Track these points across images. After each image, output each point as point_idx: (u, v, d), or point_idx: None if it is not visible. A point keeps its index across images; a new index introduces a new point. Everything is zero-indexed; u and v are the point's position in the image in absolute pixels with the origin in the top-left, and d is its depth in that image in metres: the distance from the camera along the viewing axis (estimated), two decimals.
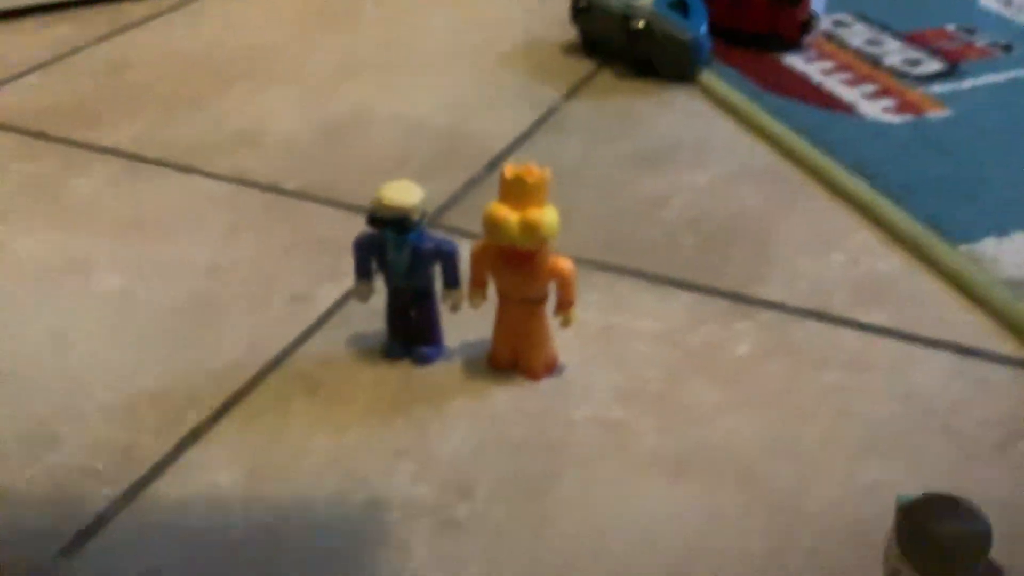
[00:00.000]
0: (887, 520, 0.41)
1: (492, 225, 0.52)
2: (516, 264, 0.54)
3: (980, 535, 0.34)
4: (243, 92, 0.92)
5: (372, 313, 0.62)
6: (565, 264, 0.54)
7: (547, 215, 0.52)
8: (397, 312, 0.58)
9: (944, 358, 0.58)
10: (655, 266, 0.67)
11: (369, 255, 0.57)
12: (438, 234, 0.58)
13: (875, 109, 0.82)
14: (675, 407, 0.55)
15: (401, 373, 0.58)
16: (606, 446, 0.53)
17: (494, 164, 0.79)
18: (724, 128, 0.83)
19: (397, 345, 0.59)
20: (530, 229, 0.51)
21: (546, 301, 0.56)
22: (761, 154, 0.79)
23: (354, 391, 0.57)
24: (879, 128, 0.80)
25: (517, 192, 0.52)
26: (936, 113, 0.82)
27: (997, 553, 0.36)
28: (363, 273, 0.58)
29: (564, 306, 0.55)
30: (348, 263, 0.66)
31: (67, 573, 0.46)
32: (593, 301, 0.63)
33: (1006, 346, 0.58)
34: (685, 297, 0.64)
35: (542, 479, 0.51)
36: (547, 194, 0.53)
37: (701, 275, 0.66)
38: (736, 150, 0.80)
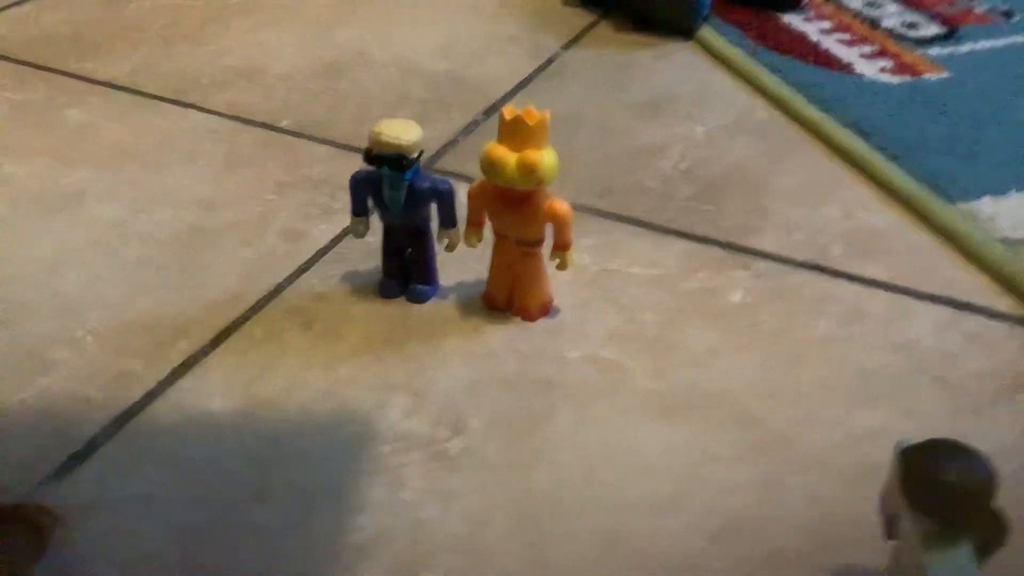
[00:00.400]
0: (881, 465, 0.41)
1: (490, 165, 0.51)
2: (513, 205, 0.54)
3: (985, 478, 0.35)
4: (241, 29, 0.91)
5: (367, 251, 0.61)
6: (562, 206, 0.54)
7: (546, 156, 0.51)
8: (393, 250, 0.58)
9: (939, 312, 0.58)
10: (651, 214, 0.67)
11: (365, 192, 0.56)
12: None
13: (872, 69, 0.82)
14: (669, 349, 0.55)
15: (395, 310, 0.58)
16: (599, 385, 0.53)
17: (492, 110, 0.78)
18: (721, 82, 0.83)
19: (392, 283, 0.59)
20: (528, 170, 0.51)
21: (542, 243, 0.56)
22: (757, 109, 0.79)
23: (348, 326, 0.57)
24: (876, 88, 0.80)
25: (516, 133, 0.51)
26: (934, 75, 0.81)
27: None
28: (359, 210, 0.57)
29: (560, 248, 0.55)
30: (343, 201, 0.66)
31: (56, 497, 0.46)
32: (589, 246, 0.63)
33: (1001, 302, 0.58)
34: (680, 245, 0.64)
35: (535, 416, 0.51)
36: (546, 136, 0.52)
37: (696, 224, 0.66)
38: (733, 104, 0.80)
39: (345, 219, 0.65)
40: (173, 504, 0.46)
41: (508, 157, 0.51)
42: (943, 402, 0.52)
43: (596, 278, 0.61)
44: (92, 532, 0.45)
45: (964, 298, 0.59)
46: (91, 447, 0.49)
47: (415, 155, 0.53)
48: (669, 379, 0.54)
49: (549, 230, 0.55)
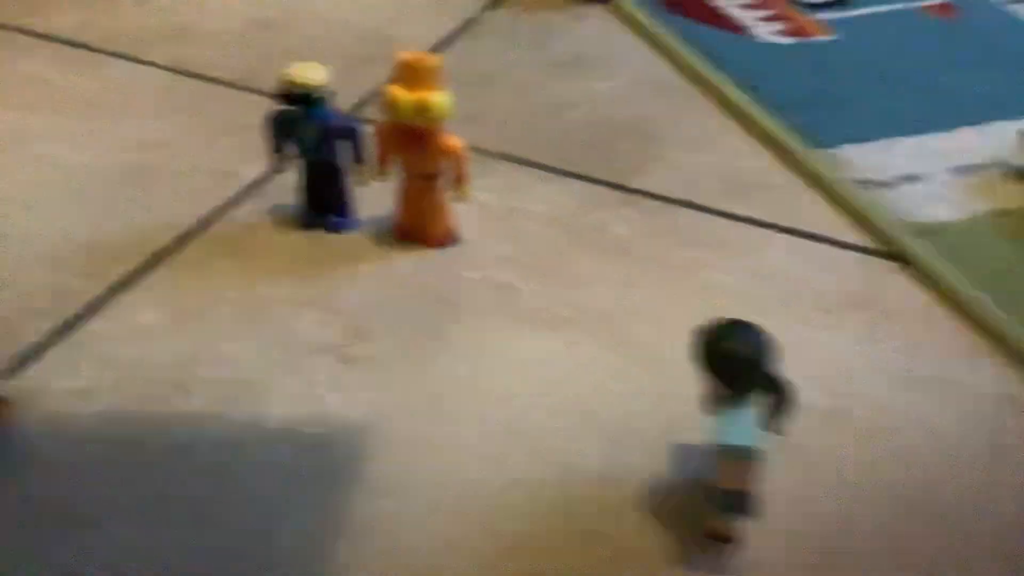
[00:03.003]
0: None
1: (389, 104, 0.58)
2: (413, 142, 0.60)
3: (761, 347, 0.42)
4: None
5: (291, 188, 0.68)
6: (456, 142, 0.60)
7: (439, 96, 0.58)
8: (311, 184, 0.65)
9: (795, 243, 0.66)
10: (555, 160, 0.74)
11: (282, 131, 0.63)
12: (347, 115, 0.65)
13: (767, 31, 0.90)
14: (558, 275, 0.63)
15: (314, 240, 0.65)
16: (492, 303, 0.60)
17: None
18: (629, 43, 0.90)
19: (312, 215, 0.65)
20: (423, 109, 0.58)
21: (441, 176, 0.62)
22: (660, 67, 0.86)
23: (270, 253, 0.64)
24: (769, 48, 0.87)
25: (412, 75, 0.58)
26: (823, 37, 0.89)
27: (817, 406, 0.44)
28: (277, 147, 0.64)
29: (458, 181, 0.62)
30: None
31: (7, 389, 0.53)
32: (495, 187, 0.70)
33: (850, 234, 0.66)
34: (578, 186, 0.71)
35: (432, 326, 0.59)
36: (440, 78, 0.59)
37: (595, 168, 0.73)
38: (638, 63, 0.87)
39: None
40: (108, 395, 0.53)
41: (404, 97, 0.57)
42: (789, 317, 0.59)
43: (499, 215, 0.68)
44: (39, 416, 0.51)
45: (819, 231, 0.67)
46: (38, 350, 0.56)
47: (322, 94, 0.60)
48: (554, 299, 0.61)
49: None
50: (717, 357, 0.42)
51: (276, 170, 0.64)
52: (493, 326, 0.59)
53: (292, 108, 0.60)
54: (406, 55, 0.57)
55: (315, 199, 0.65)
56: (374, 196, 0.67)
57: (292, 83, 0.59)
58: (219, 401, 0.53)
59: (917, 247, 0.63)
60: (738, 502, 0.42)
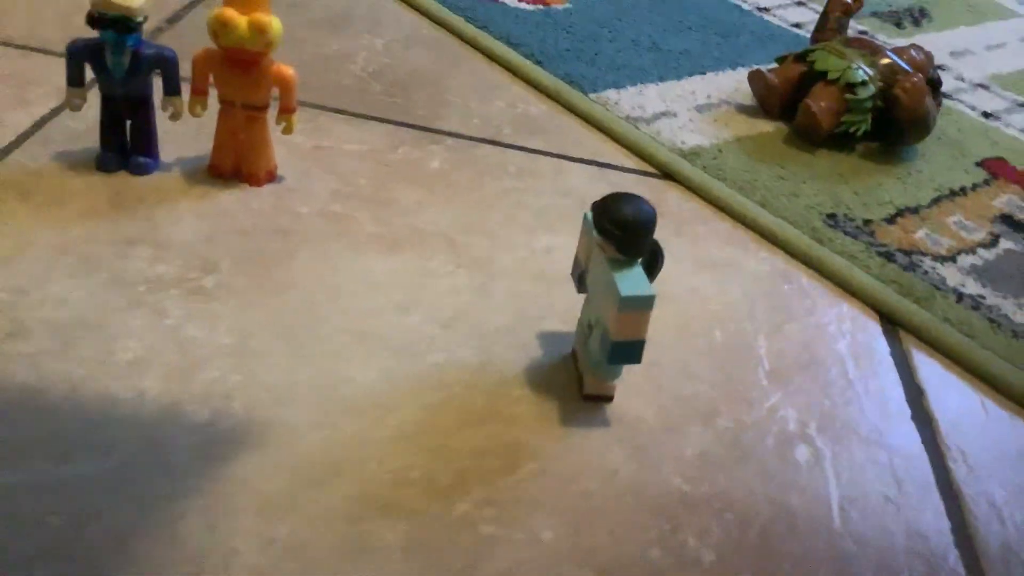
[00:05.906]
0: (560, 269, 0.54)
1: (221, 25, 0.56)
2: (241, 69, 0.58)
3: (650, 215, 0.47)
4: None
5: (74, 134, 0.62)
6: (288, 70, 0.59)
7: (274, 19, 0.57)
8: (112, 122, 0.60)
9: (587, 169, 0.73)
10: (351, 105, 0.74)
11: (84, 61, 0.57)
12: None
13: (512, 0, 0.97)
14: (386, 203, 0.64)
15: (117, 182, 0.60)
16: (331, 231, 0.60)
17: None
18: (390, 4, 0.93)
19: (112, 156, 0.60)
20: (259, 30, 0.56)
21: (268, 108, 0.61)
22: (424, 27, 0.90)
23: (70, 197, 0.58)
24: (518, 13, 0.94)
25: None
26: (559, 5, 0.98)
27: None
28: (76, 80, 0.58)
29: (287, 111, 0.61)
30: (34, 93, 0.65)
31: None
32: (299, 129, 0.69)
33: (629, 162, 0.75)
34: (381, 128, 0.72)
35: (278, 256, 0.57)
36: (269, 4, 0.57)
37: (391, 112, 0.75)
38: (404, 22, 0.90)
39: (41, 108, 0.65)
40: None
41: (238, 18, 0.55)
42: None
43: (311, 153, 0.67)
44: None
45: (604, 160, 0.74)
46: None
47: (140, 19, 0.56)
48: (389, 224, 0.62)
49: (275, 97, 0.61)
50: (617, 223, 0.46)
51: (73, 108, 0.58)
52: (340, 250, 0.58)
53: (102, 35, 0.55)
54: None
55: (115, 139, 0.60)
56: (172, 137, 0.63)
57: (110, 3, 0.54)
58: (60, 342, 0.48)
59: (683, 167, 0.73)
60: (632, 351, 0.47)
